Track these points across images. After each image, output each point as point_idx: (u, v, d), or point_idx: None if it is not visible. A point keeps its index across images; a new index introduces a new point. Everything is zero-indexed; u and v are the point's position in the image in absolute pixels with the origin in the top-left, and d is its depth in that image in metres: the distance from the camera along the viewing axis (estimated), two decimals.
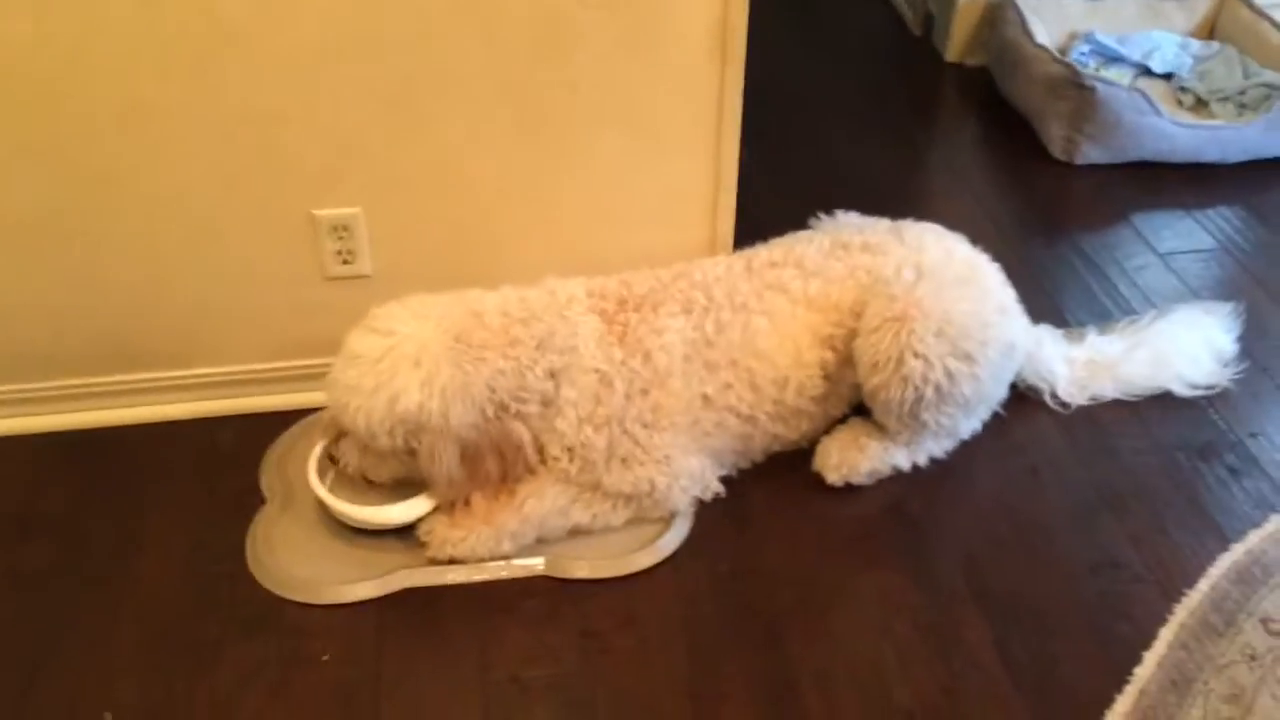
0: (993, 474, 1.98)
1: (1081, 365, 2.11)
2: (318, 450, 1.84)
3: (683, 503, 1.85)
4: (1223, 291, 2.40)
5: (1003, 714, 1.59)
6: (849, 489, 1.93)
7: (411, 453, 1.70)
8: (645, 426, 1.80)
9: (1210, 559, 1.79)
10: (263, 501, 1.88)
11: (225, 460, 1.96)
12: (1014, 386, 2.07)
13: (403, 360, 1.65)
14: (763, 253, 1.97)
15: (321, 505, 1.82)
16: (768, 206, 2.25)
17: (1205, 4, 3.25)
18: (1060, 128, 2.83)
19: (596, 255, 1.96)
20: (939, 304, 1.82)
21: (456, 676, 1.63)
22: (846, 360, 1.90)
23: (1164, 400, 2.11)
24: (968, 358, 1.83)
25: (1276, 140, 2.83)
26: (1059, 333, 2.15)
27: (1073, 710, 1.59)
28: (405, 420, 1.65)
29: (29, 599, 1.74)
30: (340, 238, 1.91)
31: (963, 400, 1.87)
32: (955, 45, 3.34)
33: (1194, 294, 2.40)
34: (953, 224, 2.07)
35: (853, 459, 1.92)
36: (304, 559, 1.79)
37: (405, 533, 1.80)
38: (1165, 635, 1.67)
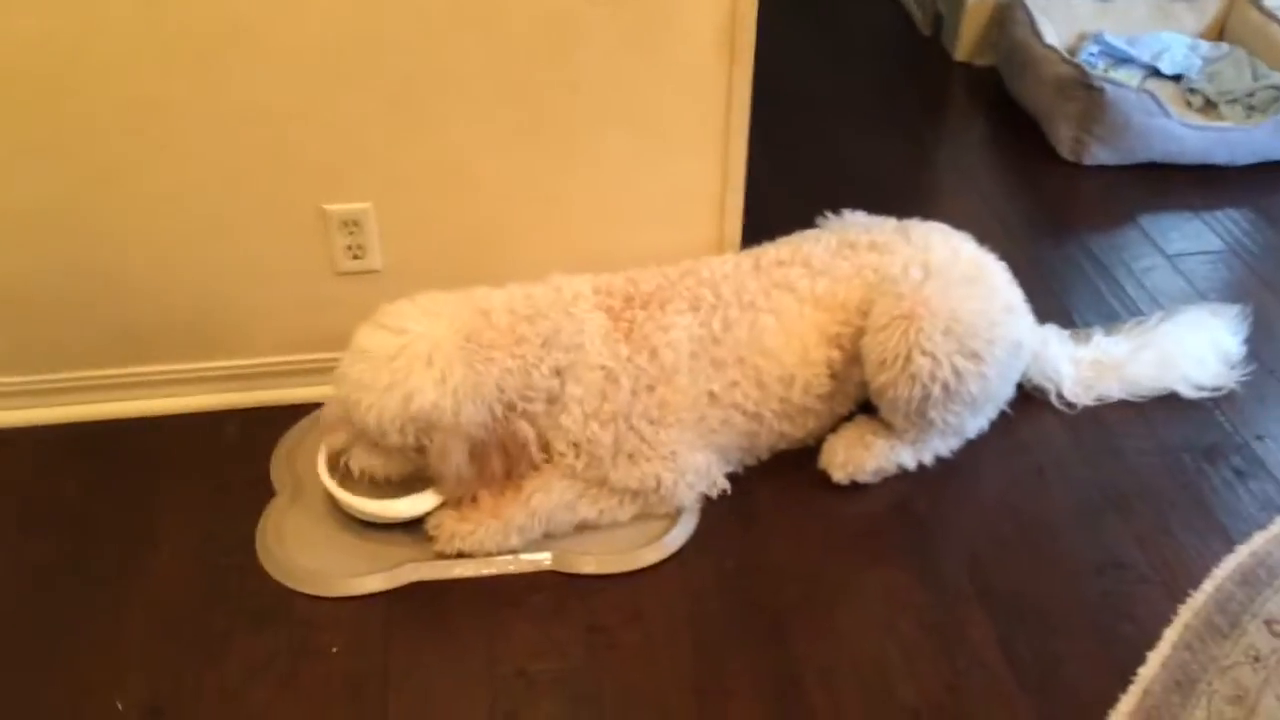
0: (998, 473, 1.99)
1: (1088, 366, 2.11)
2: (326, 442, 1.85)
3: (689, 499, 1.86)
4: (1230, 293, 2.40)
5: (1007, 713, 1.59)
6: (855, 487, 1.94)
7: (420, 450, 1.71)
8: (651, 423, 1.81)
9: (1215, 560, 1.79)
10: (272, 494, 1.89)
11: (235, 453, 1.97)
12: (1020, 386, 2.07)
13: (416, 359, 1.65)
14: (770, 251, 1.97)
15: (331, 499, 1.83)
16: (775, 205, 2.26)
17: (1215, 6, 3.25)
18: (1069, 128, 2.84)
19: (604, 253, 1.97)
20: (946, 302, 1.83)
21: (464, 669, 1.64)
22: (853, 359, 1.90)
23: (1170, 402, 2.11)
24: (975, 356, 1.83)
25: None
26: (1065, 333, 2.15)
27: (1076, 710, 1.60)
28: (418, 418, 1.66)
29: (40, 589, 1.75)
30: (351, 232, 1.92)
31: (969, 399, 1.87)
32: (964, 45, 3.34)
33: (1201, 296, 2.40)
34: (960, 223, 2.07)
35: (859, 457, 1.92)
36: (313, 552, 1.80)
37: (414, 526, 1.81)
38: (1169, 636, 1.67)
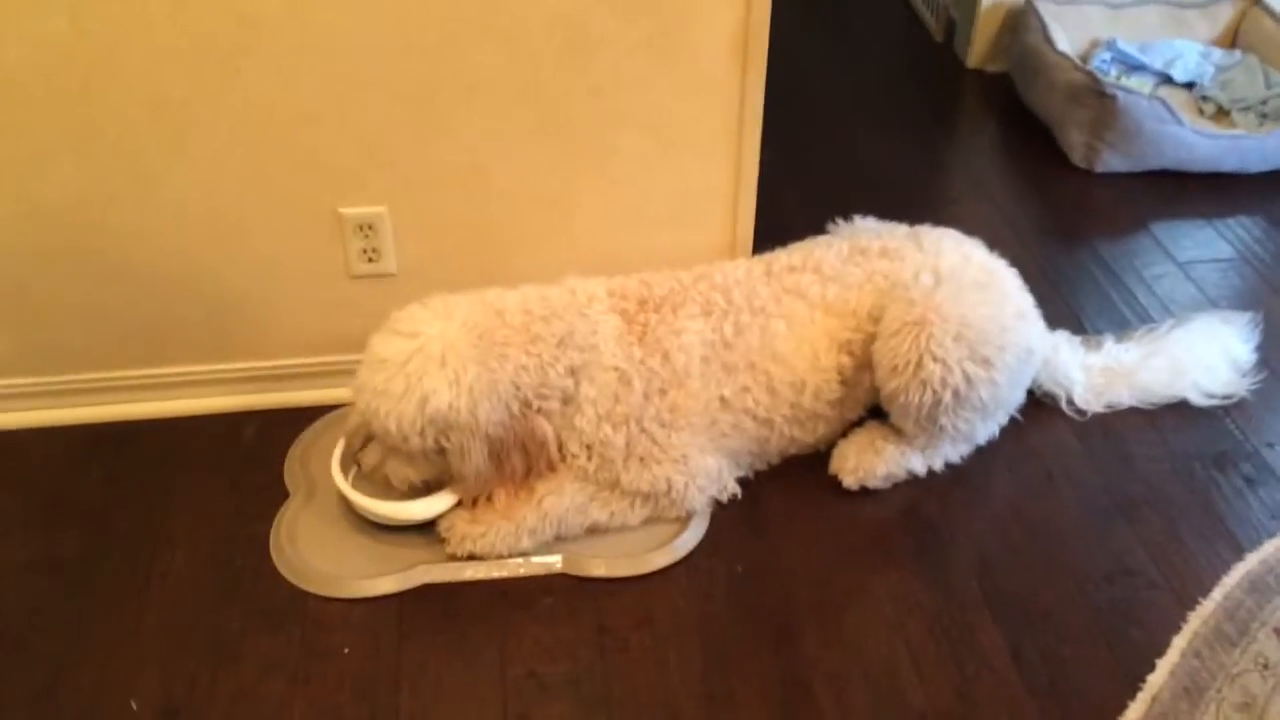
0: (1009, 479, 1.99)
1: (1098, 372, 2.12)
2: (341, 445, 1.87)
3: (699, 503, 1.87)
4: (1241, 301, 2.40)
5: (1015, 718, 1.60)
6: (865, 492, 1.94)
7: (441, 452, 1.72)
8: (663, 426, 1.82)
9: (1224, 568, 1.80)
10: (286, 496, 1.91)
11: (250, 455, 1.99)
12: (1031, 393, 2.07)
13: (429, 361, 1.66)
14: (782, 257, 1.98)
15: (344, 500, 1.85)
16: (787, 209, 2.27)
17: (1228, 13, 3.25)
18: (1081, 135, 2.84)
19: (617, 256, 1.98)
20: (957, 308, 1.83)
21: (475, 671, 1.65)
22: (863, 365, 1.91)
23: (1181, 409, 2.12)
24: (985, 362, 1.84)
25: None
26: (1076, 339, 2.15)
27: (1085, 716, 1.60)
28: (435, 420, 1.67)
29: (58, 587, 1.77)
30: (366, 236, 1.94)
31: (980, 405, 1.87)
32: (976, 51, 3.35)
33: (1212, 303, 2.40)
34: (971, 229, 2.08)
35: (869, 462, 1.93)
36: (326, 553, 1.81)
37: (426, 528, 1.82)
38: (1178, 643, 1.67)
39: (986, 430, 2.00)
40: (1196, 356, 2.14)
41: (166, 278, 1.94)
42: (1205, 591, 1.75)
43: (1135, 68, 3.10)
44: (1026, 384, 2.03)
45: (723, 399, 1.85)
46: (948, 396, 1.83)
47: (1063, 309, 2.34)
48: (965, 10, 3.37)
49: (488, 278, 1.84)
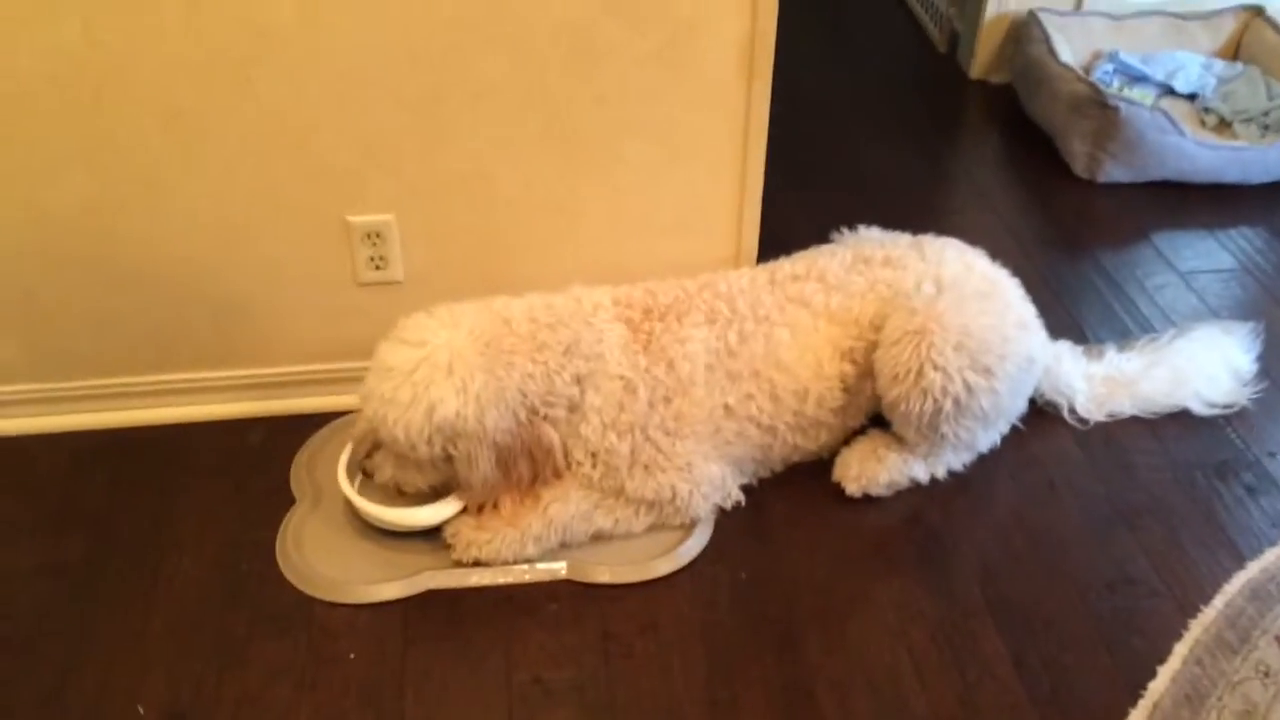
0: (1010, 487, 2.00)
1: (1100, 382, 2.12)
2: (347, 452, 1.88)
3: (704, 510, 1.87)
4: (1243, 311, 2.41)
5: None
6: (868, 500, 1.95)
7: (448, 459, 1.73)
8: (668, 434, 1.83)
9: (1226, 576, 1.80)
10: (292, 502, 1.92)
11: (256, 460, 2.00)
12: (1033, 402, 2.08)
13: (436, 369, 1.68)
14: (786, 266, 2.00)
15: (350, 506, 1.86)
16: (791, 219, 2.28)
17: (1230, 25, 3.26)
18: (1083, 146, 2.85)
19: (622, 265, 2.00)
20: (958, 318, 1.84)
21: (480, 677, 1.66)
22: (865, 373, 1.92)
23: (1182, 418, 2.12)
24: (986, 371, 1.85)
25: None
26: (1078, 349, 2.16)
27: None
28: (443, 428, 1.68)
29: (64, 591, 1.78)
30: (373, 244, 1.95)
31: (981, 413, 1.88)
32: (980, 63, 3.36)
33: (1214, 313, 2.41)
34: (974, 239, 2.09)
35: (872, 470, 1.94)
36: (332, 559, 1.82)
37: (431, 535, 1.83)
38: (1180, 650, 1.68)
39: (988, 439, 2.01)
40: (1198, 366, 2.14)
41: (175, 284, 1.96)
42: (1206, 599, 1.76)
43: (1137, 79, 3.11)
44: (1028, 393, 2.04)
45: (727, 407, 1.86)
46: (949, 405, 1.84)
47: (1065, 318, 2.35)
48: (968, 22, 3.38)
49: (494, 285, 1.85)
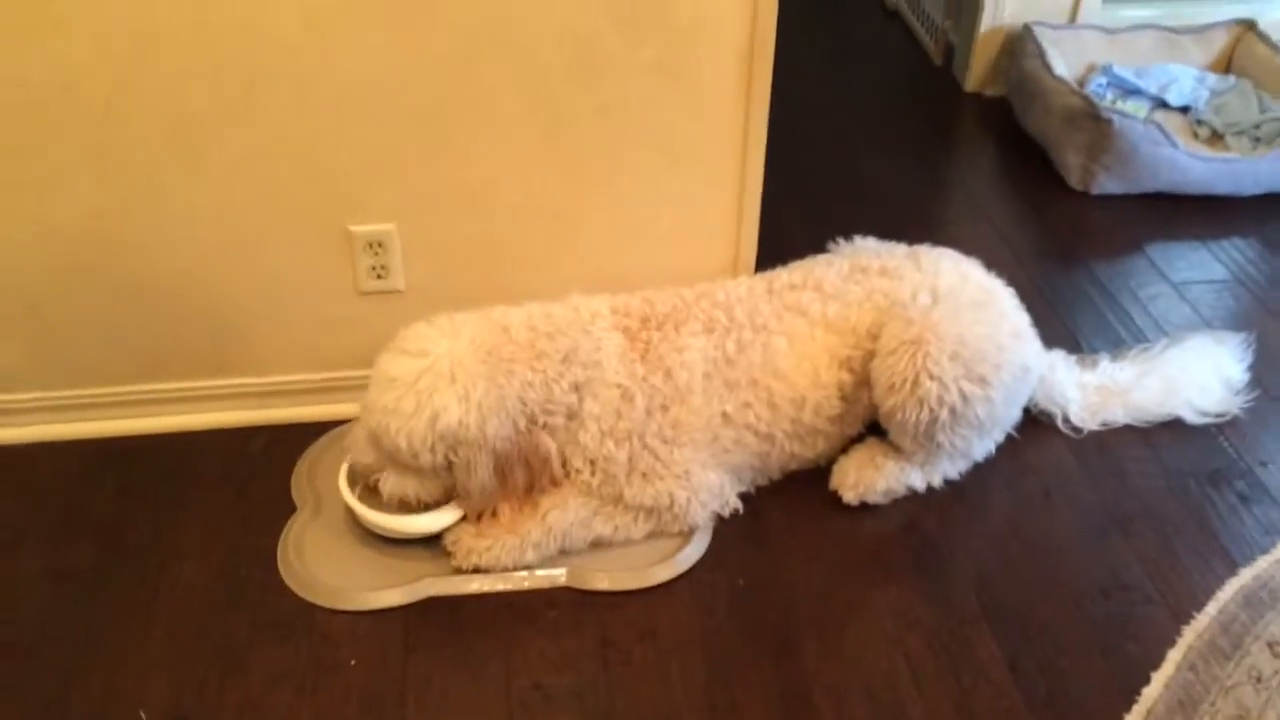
0: (1006, 496, 2.01)
1: (1094, 391, 2.14)
2: (348, 460, 1.89)
3: (702, 517, 1.89)
4: (1235, 322, 2.43)
5: None
6: (865, 508, 1.96)
7: (449, 467, 1.74)
8: (665, 442, 1.84)
9: (1219, 583, 1.82)
10: (294, 509, 1.93)
11: (258, 468, 2.01)
12: (1027, 410, 2.10)
13: (439, 378, 1.69)
14: (783, 275, 2.01)
15: (351, 514, 1.87)
16: (788, 228, 2.30)
17: (1222, 39, 3.29)
18: (1077, 158, 2.87)
19: (621, 274, 2.01)
20: (954, 328, 1.86)
21: (480, 683, 1.67)
22: (862, 382, 1.93)
23: (1175, 427, 2.14)
24: (982, 380, 1.86)
25: None
26: (1072, 358, 2.18)
27: None
28: (446, 436, 1.69)
29: (68, 597, 1.79)
30: (375, 253, 1.96)
31: (976, 422, 1.90)
32: (975, 75, 3.39)
33: (1206, 323, 2.43)
34: (969, 250, 2.11)
35: (869, 478, 1.95)
36: (333, 566, 1.83)
37: (432, 542, 1.84)
38: (1173, 656, 1.69)
39: (984, 447, 2.02)
40: (1190, 375, 2.16)
41: (178, 294, 1.97)
42: (1200, 606, 1.77)
43: (1131, 92, 3.14)
44: (1023, 402, 2.05)
45: (725, 415, 1.88)
46: (944, 414, 1.86)
47: (1059, 328, 2.37)
48: (964, 35, 3.41)
49: (494, 294, 1.86)
